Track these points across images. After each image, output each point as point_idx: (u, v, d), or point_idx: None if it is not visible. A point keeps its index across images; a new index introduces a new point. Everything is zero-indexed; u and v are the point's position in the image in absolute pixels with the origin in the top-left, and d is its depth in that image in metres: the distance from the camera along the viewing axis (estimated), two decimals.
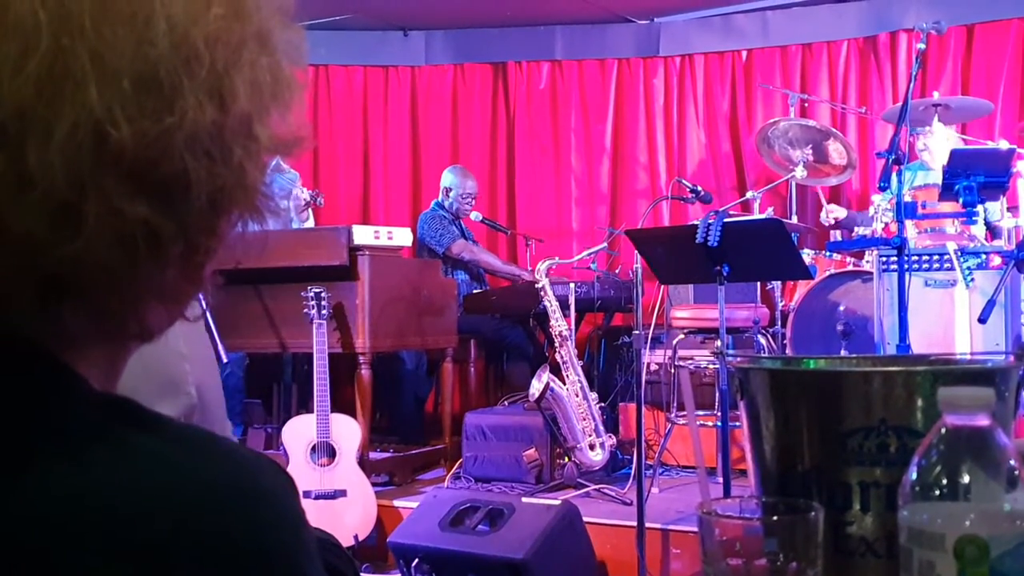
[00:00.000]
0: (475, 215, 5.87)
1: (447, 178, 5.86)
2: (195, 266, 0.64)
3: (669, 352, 4.67)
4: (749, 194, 5.25)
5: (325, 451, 3.91)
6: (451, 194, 5.79)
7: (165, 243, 0.59)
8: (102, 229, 0.56)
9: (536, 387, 4.18)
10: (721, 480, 3.54)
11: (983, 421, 0.70)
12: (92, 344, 0.63)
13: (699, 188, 4.32)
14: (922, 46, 4.01)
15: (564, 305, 4.48)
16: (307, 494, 3.84)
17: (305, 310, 3.99)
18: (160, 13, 0.57)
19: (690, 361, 4.74)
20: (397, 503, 4.07)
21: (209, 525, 0.55)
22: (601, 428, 4.31)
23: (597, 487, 4.13)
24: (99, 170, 0.55)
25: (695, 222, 3.39)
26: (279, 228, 4.80)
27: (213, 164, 0.60)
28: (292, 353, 4.98)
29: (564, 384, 4.26)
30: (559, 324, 4.34)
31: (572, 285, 4.79)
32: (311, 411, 3.94)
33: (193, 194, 0.59)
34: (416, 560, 3.43)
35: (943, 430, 0.71)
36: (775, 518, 0.82)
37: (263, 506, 0.59)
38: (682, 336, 4.68)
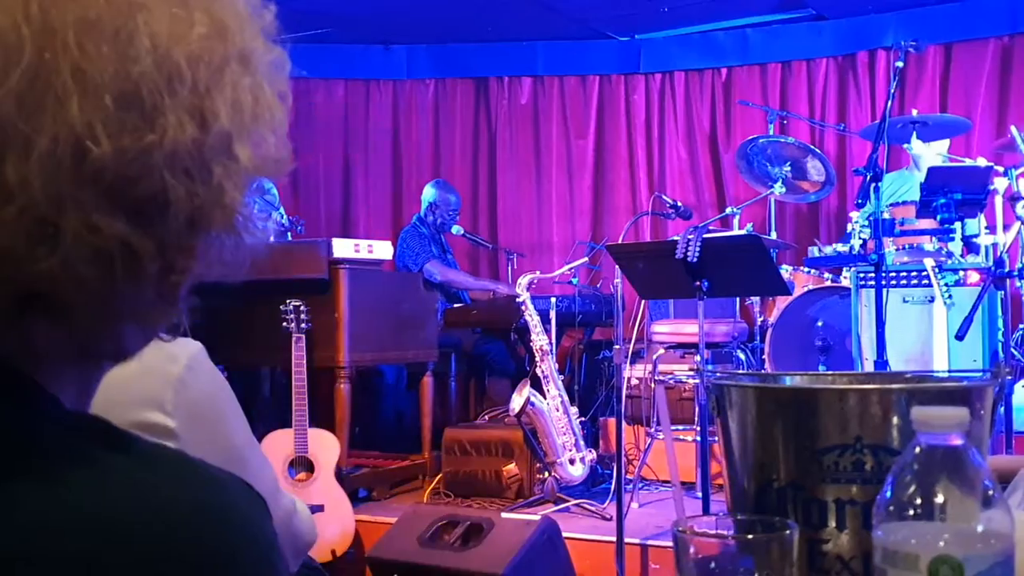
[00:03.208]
0: (457, 229, 5.87)
1: (431, 193, 5.86)
2: (172, 285, 0.63)
3: (649, 367, 4.68)
4: (729, 210, 5.27)
5: (303, 466, 3.89)
6: (436, 210, 5.79)
7: (142, 261, 0.59)
8: (79, 245, 0.56)
9: (516, 401, 4.17)
10: (700, 495, 3.54)
11: (957, 441, 0.70)
12: (66, 363, 0.62)
13: (679, 204, 4.34)
14: (900, 64, 4.05)
15: (545, 319, 4.47)
16: None
17: (284, 324, 3.97)
18: (143, 31, 0.57)
19: (670, 376, 4.75)
20: (376, 518, 4.05)
21: (178, 548, 0.55)
22: (581, 443, 4.31)
23: (577, 502, 4.12)
24: (78, 186, 0.55)
25: (675, 237, 3.41)
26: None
27: (192, 183, 0.59)
28: (271, 367, 4.96)
29: (544, 398, 4.26)
30: (540, 338, 4.33)
31: (553, 299, 4.79)
32: (289, 426, 3.92)
33: (172, 212, 0.59)
34: (394, 575, 3.42)
35: (917, 449, 0.71)
36: (750, 536, 0.82)
37: (233, 529, 0.58)
38: (662, 351, 4.69)
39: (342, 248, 4.27)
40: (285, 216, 5.08)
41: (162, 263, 0.60)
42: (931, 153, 4.88)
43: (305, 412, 3.89)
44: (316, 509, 3.83)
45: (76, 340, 0.61)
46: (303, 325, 3.97)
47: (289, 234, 5.05)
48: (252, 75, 0.64)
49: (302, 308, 3.98)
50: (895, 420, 0.93)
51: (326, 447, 3.95)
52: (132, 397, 0.98)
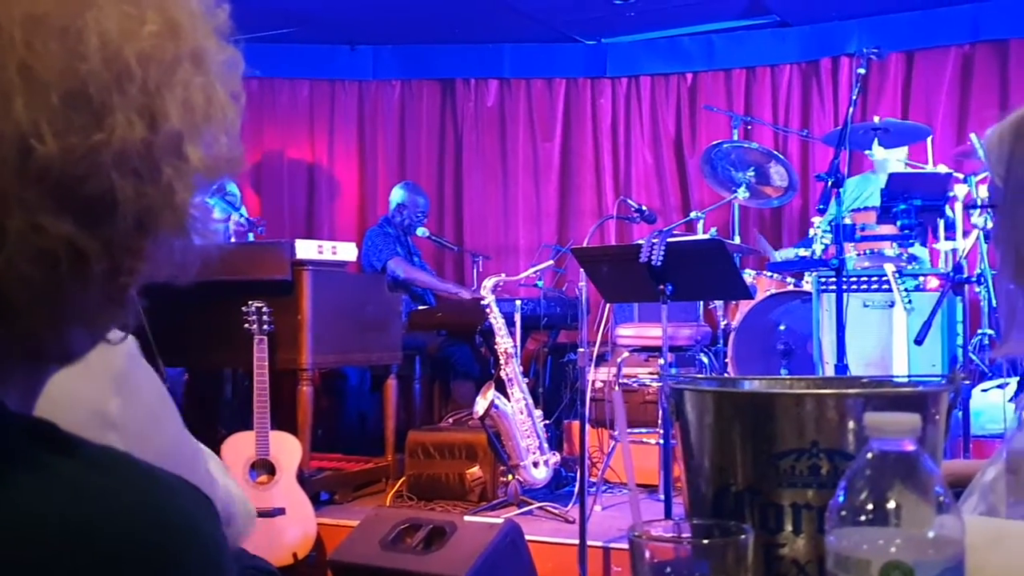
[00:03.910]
0: (422, 231, 5.86)
1: (398, 194, 5.84)
2: (119, 287, 0.62)
3: (613, 370, 4.69)
4: (693, 214, 5.31)
5: (264, 468, 3.86)
6: (404, 211, 5.77)
7: (89, 262, 0.58)
8: (24, 245, 0.55)
9: (481, 404, 4.16)
10: (663, 497, 3.56)
11: (909, 446, 0.70)
12: (10, 364, 0.61)
13: (644, 208, 4.35)
14: (862, 71, 4.09)
15: (510, 322, 4.47)
16: None
17: (246, 325, 3.94)
18: (93, 28, 0.56)
19: (633, 379, 4.77)
20: (338, 521, 4.02)
21: (125, 551, 0.54)
22: (545, 446, 4.31)
23: (540, 505, 4.12)
24: (23, 185, 0.54)
25: (639, 241, 3.42)
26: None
27: (141, 183, 0.59)
28: (232, 369, 4.92)
29: (509, 401, 4.25)
30: (504, 341, 4.33)
31: (518, 302, 4.79)
32: (251, 428, 3.89)
33: (120, 213, 0.58)
34: None
35: (869, 455, 0.71)
36: (705, 541, 0.82)
37: (180, 532, 0.57)
38: (626, 354, 4.70)
39: (305, 249, 4.24)
40: (246, 217, 5.04)
41: (109, 264, 0.59)
42: (893, 158, 4.94)
43: (267, 414, 3.86)
44: (277, 512, 3.80)
45: (20, 342, 0.59)
46: (265, 327, 3.94)
47: (251, 235, 5.01)
48: (204, 75, 0.63)
49: (264, 309, 3.95)
50: (851, 425, 0.93)
51: (288, 450, 3.92)
52: (77, 389, 0.97)
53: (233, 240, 5.16)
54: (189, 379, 5.18)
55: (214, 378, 5.12)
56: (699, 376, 2.93)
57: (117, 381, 1.05)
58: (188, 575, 0.56)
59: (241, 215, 5.04)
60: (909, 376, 2.94)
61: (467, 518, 3.55)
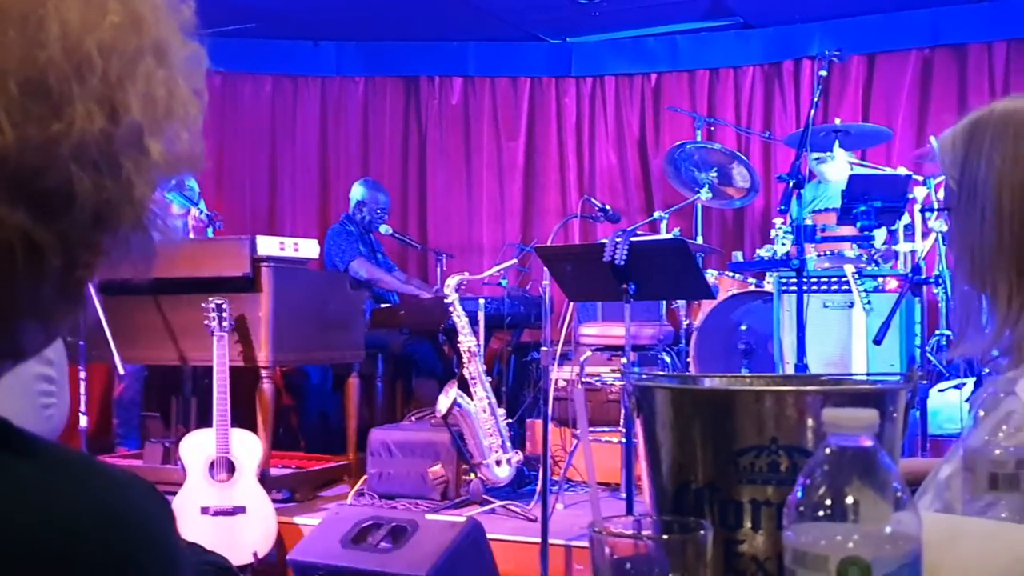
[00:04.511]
0: (385, 229, 5.83)
1: (358, 191, 5.81)
2: (74, 282, 0.61)
3: (576, 369, 4.70)
4: (656, 214, 5.33)
5: (224, 467, 3.82)
6: (364, 208, 5.74)
7: (44, 255, 0.57)
8: None
9: (443, 403, 4.16)
10: (624, 496, 3.57)
11: (867, 442, 0.70)
12: None
13: (608, 207, 4.36)
14: (824, 72, 4.12)
15: (473, 321, 4.46)
16: (205, 510, 3.75)
17: (206, 322, 3.90)
18: (53, 17, 0.55)
19: (596, 378, 4.78)
20: (298, 520, 4.00)
21: (82, 550, 0.54)
22: (508, 444, 4.31)
23: (502, 503, 4.11)
24: None
25: (603, 240, 3.42)
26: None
27: (100, 176, 0.58)
28: (192, 366, 4.87)
29: (472, 400, 4.25)
30: (468, 340, 4.32)
31: (482, 301, 4.78)
32: (211, 425, 3.85)
33: (77, 206, 0.57)
34: None
35: (827, 451, 0.72)
36: (664, 537, 0.82)
37: (135, 530, 0.57)
38: (589, 353, 4.71)
39: (267, 246, 4.21)
40: (206, 212, 5.00)
41: (65, 258, 0.58)
42: (833, 169, 4.99)
43: (227, 412, 3.82)
44: (238, 510, 3.77)
45: None
46: (225, 323, 3.91)
47: (210, 229, 4.96)
48: (167, 68, 0.62)
49: (225, 306, 3.92)
50: (810, 422, 0.94)
51: (248, 448, 3.89)
52: None
53: (192, 236, 5.11)
54: (148, 375, 5.12)
55: (173, 375, 5.07)
56: (660, 374, 2.94)
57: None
58: (143, 571, 0.56)
59: (201, 210, 4.99)
60: (867, 374, 2.97)
61: (429, 517, 3.55)
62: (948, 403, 4.25)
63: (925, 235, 4.50)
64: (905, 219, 4.47)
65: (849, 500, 0.70)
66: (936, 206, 4.14)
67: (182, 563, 0.59)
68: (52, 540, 0.53)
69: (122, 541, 0.56)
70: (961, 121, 1.27)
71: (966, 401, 4.06)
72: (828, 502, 0.70)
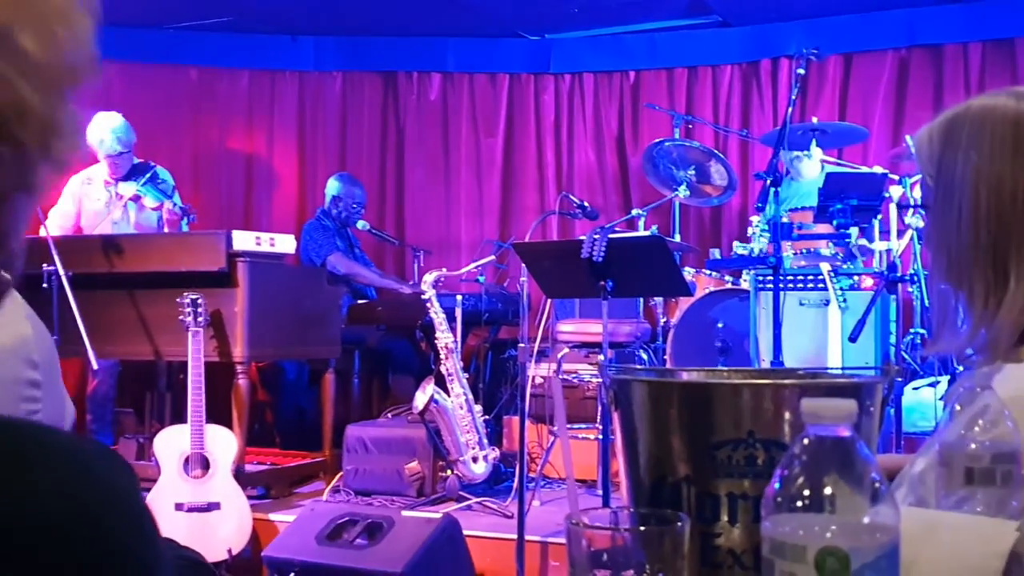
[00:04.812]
0: (362, 224, 5.81)
1: (334, 186, 5.78)
2: None
3: (554, 365, 4.70)
4: (634, 211, 5.33)
5: (199, 463, 3.80)
6: (340, 203, 5.72)
7: None
8: None
9: (420, 399, 4.14)
10: (600, 492, 3.57)
11: (845, 432, 0.70)
12: None
13: (586, 204, 4.36)
14: (802, 71, 4.14)
15: (451, 317, 4.45)
16: (179, 506, 3.72)
17: (181, 317, 3.87)
18: None
19: (573, 375, 4.78)
20: (273, 516, 3.98)
21: (52, 527, 0.53)
22: (484, 441, 4.30)
23: (479, 500, 4.11)
24: None
25: (581, 237, 3.42)
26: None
27: None
28: (167, 361, 4.84)
29: (449, 396, 4.24)
30: (445, 336, 4.31)
31: (459, 297, 4.77)
32: (185, 421, 3.82)
33: None
34: (292, 575, 3.35)
35: (806, 441, 0.71)
36: (642, 529, 0.82)
37: (102, 501, 0.56)
38: (566, 350, 4.71)
39: (243, 240, 4.18)
40: (180, 204, 4.96)
41: None
42: (808, 167, 5.02)
43: (202, 408, 3.80)
44: (212, 507, 3.75)
45: None
46: (201, 319, 3.88)
47: (184, 221, 4.93)
48: None
49: (200, 301, 3.89)
50: (787, 415, 0.94)
51: (223, 444, 3.87)
52: (11, 358, 0.97)
53: (167, 229, 5.07)
54: (122, 371, 5.08)
55: (148, 370, 5.03)
56: (639, 368, 2.95)
57: (29, 315, 1.05)
58: (112, 541, 0.55)
59: (175, 203, 4.95)
60: (843, 368, 2.98)
61: (405, 513, 3.54)
62: (922, 401, 4.28)
63: (900, 233, 4.53)
64: (880, 217, 4.50)
65: (827, 491, 0.69)
66: (912, 203, 4.17)
67: (148, 528, 0.58)
68: (19, 518, 0.52)
69: (91, 513, 0.55)
70: (938, 118, 1.27)
71: (940, 399, 4.09)
72: (806, 493, 0.70)
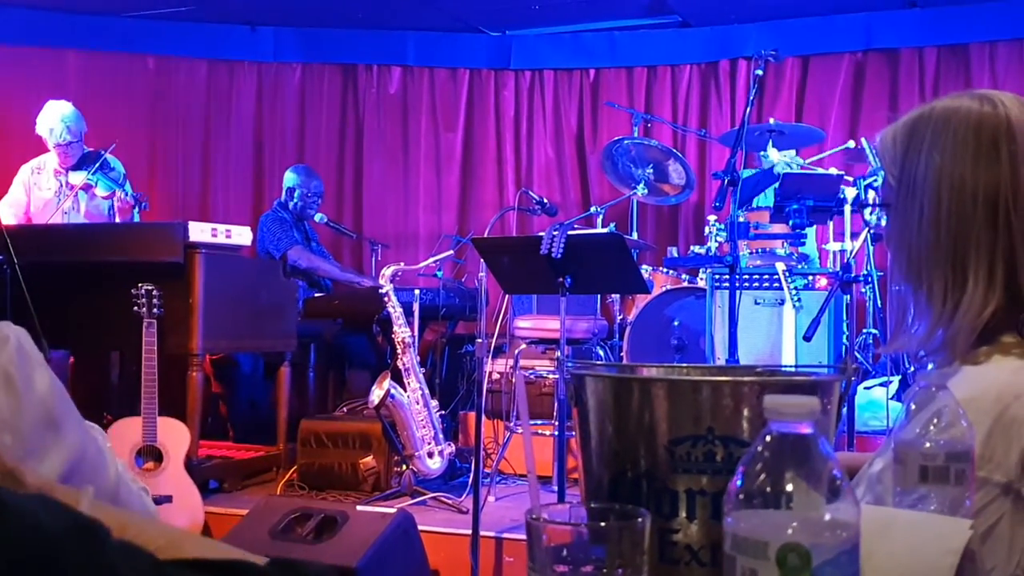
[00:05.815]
0: (320, 217, 5.76)
1: (291, 178, 5.74)
2: None
3: (511, 361, 4.70)
4: (593, 209, 5.35)
5: (151, 455, 3.75)
6: (295, 194, 5.67)
7: None
8: None
9: (376, 394, 4.12)
10: (556, 488, 3.57)
11: (806, 429, 0.71)
12: None
13: (545, 200, 4.36)
14: (760, 72, 4.16)
15: (408, 312, 4.43)
16: None
17: (135, 308, 3.82)
18: None
19: (531, 371, 4.78)
20: (226, 510, 3.94)
21: None
22: (440, 436, 4.29)
23: (434, 495, 4.10)
24: None
25: (540, 233, 3.42)
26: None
27: None
28: (120, 353, 4.77)
29: (405, 391, 4.22)
30: (402, 331, 4.29)
31: (417, 292, 4.75)
32: (138, 413, 3.77)
33: None
34: None
35: (768, 438, 0.72)
36: (602, 524, 0.81)
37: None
38: (524, 346, 4.72)
39: (198, 232, 4.13)
40: (131, 193, 4.89)
41: None
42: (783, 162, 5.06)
43: (154, 400, 3.75)
44: (164, 500, 3.70)
45: None
46: (155, 310, 3.83)
47: (136, 210, 4.86)
48: None
49: (154, 292, 3.83)
50: (746, 412, 0.94)
51: (176, 436, 3.82)
52: None
53: (118, 218, 5.00)
54: (75, 362, 5.00)
55: (101, 362, 4.96)
56: (598, 363, 2.95)
57: (4, 379, 0.99)
58: None
59: (126, 192, 4.88)
60: (798, 366, 3.01)
61: (359, 508, 3.51)
62: (875, 400, 4.34)
63: (855, 234, 4.58)
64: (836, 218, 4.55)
65: (789, 487, 0.70)
66: (871, 202, 4.21)
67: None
68: None
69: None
70: (902, 119, 1.28)
71: (891, 398, 4.15)
72: (768, 489, 0.70)
